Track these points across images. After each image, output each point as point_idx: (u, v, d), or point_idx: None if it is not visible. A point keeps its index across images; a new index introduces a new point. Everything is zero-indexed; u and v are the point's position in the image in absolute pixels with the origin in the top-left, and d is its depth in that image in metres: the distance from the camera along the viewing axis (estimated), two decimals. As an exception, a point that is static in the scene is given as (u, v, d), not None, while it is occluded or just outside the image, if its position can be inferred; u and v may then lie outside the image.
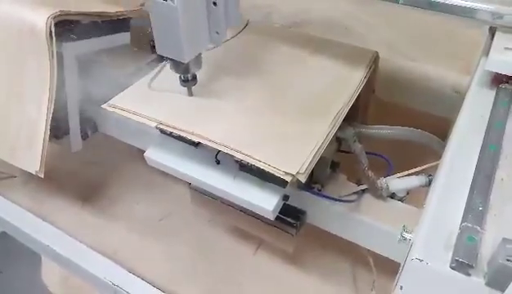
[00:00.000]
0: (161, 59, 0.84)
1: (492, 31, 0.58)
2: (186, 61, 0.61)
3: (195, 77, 0.65)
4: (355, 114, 0.74)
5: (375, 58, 0.76)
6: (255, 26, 0.86)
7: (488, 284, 0.32)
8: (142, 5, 0.90)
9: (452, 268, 0.34)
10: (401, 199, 0.72)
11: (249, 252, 0.88)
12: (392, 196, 0.72)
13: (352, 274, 0.83)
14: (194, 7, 0.58)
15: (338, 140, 0.73)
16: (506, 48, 0.51)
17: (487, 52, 0.53)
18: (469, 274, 0.33)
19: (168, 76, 0.75)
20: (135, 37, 0.72)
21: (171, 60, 0.62)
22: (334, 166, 0.73)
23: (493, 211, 0.37)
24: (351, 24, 0.92)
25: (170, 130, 0.63)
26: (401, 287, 0.37)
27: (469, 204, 0.37)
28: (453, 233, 0.36)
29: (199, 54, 0.63)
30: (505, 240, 0.32)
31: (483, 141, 0.43)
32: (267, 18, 0.91)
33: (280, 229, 0.74)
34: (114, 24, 0.84)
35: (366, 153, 0.71)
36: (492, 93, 0.51)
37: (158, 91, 0.71)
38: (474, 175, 0.40)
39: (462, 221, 0.36)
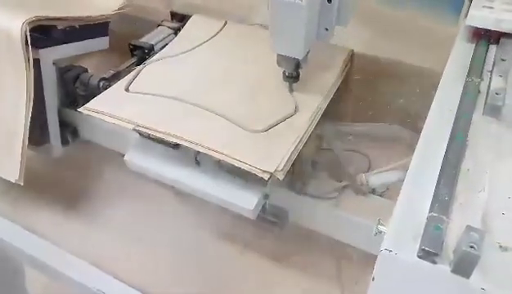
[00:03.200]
0: (139, 62, 0.84)
1: (471, -3, 0.61)
2: (301, 58, 0.63)
3: (298, 75, 0.68)
4: (334, 112, 0.74)
5: (351, 55, 0.77)
6: (233, 26, 0.87)
7: (454, 271, 0.33)
8: (121, 9, 0.90)
9: (419, 257, 0.34)
10: (381, 194, 0.73)
11: (236, 253, 0.88)
12: (373, 191, 0.73)
13: (337, 270, 0.83)
14: (314, 4, 0.59)
15: (318, 138, 0.73)
16: (484, 6, 0.57)
17: (466, 14, 0.58)
18: (435, 262, 0.34)
19: (145, 79, 0.75)
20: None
21: (282, 56, 0.64)
22: (315, 163, 0.74)
23: (459, 201, 0.38)
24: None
25: (148, 131, 0.63)
26: (373, 279, 0.37)
27: (435, 194, 0.38)
28: (421, 223, 0.37)
29: (309, 50, 0.64)
30: (468, 227, 0.33)
31: (451, 133, 0.44)
32: (247, 18, 0.92)
33: (263, 229, 0.74)
34: (92, 28, 0.84)
35: (346, 149, 0.72)
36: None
37: (135, 93, 0.71)
38: (442, 167, 0.41)
39: (429, 211, 0.37)
